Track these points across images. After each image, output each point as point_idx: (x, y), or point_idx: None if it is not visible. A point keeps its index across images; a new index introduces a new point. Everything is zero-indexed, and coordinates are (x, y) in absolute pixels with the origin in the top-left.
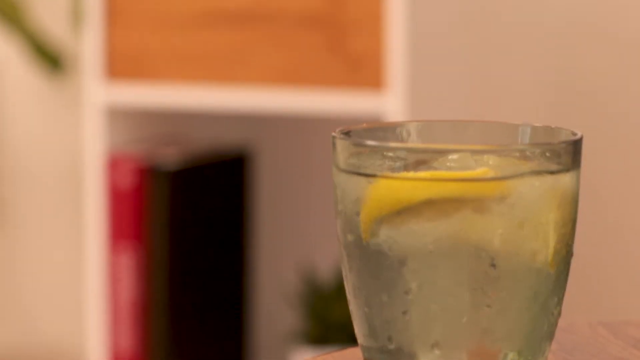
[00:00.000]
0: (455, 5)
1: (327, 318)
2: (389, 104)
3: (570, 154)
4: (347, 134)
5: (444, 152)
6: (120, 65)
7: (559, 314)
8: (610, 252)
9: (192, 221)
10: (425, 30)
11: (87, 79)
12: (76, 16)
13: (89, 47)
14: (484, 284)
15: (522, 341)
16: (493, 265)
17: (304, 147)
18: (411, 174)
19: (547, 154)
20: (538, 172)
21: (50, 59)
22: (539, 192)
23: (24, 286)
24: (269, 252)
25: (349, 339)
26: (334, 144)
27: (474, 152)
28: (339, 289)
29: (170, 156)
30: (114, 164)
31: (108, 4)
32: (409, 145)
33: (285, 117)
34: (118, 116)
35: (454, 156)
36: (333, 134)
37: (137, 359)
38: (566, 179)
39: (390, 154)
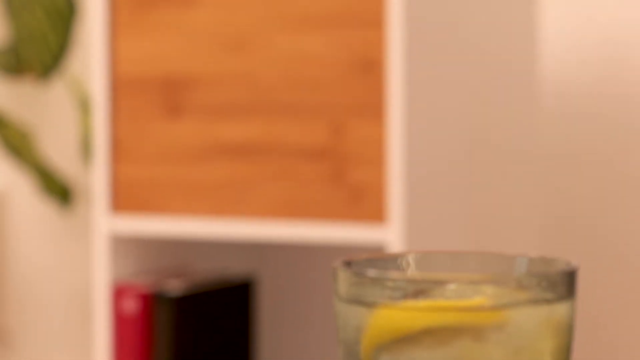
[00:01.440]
0: (451, 138)
1: None
2: (390, 234)
3: (565, 283)
4: (348, 264)
5: (442, 283)
6: (127, 197)
7: None
8: None
9: (197, 346)
10: (424, 164)
11: (95, 210)
12: (85, 149)
13: (96, 180)
14: None
15: None
16: None
17: (306, 275)
18: (410, 303)
19: (543, 284)
20: (535, 302)
21: (59, 190)
22: (535, 321)
23: None
24: None
25: None
26: (335, 275)
27: (472, 282)
28: None
29: (176, 284)
30: (120, 292)
31: (114, 137)
32: (409, 275)
33: (288, 246)
34: (125, 246)
35: (452, 286)
36: (334, 265)
37: None
38: (562, 308)
39: (390, 284)
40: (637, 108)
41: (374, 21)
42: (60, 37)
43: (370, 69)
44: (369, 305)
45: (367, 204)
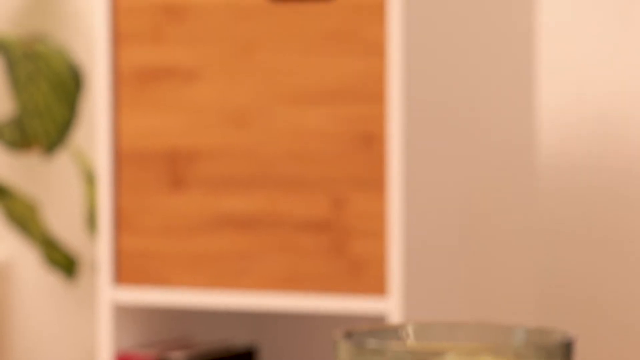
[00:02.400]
0: (450, 211)
1: None
2: (390, 306)
3: (563, 354)
4: (348, 336)
5: (441, 353)
6: (130, 268)
7: None
8: None
9: None
10: (424, 237)
11: (99, 281)
12: (90, 220)
13: (100, 251)
14: None
15: None
16: None
17: (307, 344)
18: None
19: (541, 355)
20: None
21: (64, 262)
22: None
23: None
24: None
25: None
26: (336, 346)
27: (471, 352)
28: None
29: (179, 354)
30: None
31: (118, 209)
32: (408, 346)
33: (290, 316)
34: (129, 317)
35: (452, 356)
36: (335, 336)
37: None
38: None
39: (391, 355)
40: (634, 182)
41: (375, 96)
42: (66, 111)
43: (371, 143)
44: None
45: (367, 276)
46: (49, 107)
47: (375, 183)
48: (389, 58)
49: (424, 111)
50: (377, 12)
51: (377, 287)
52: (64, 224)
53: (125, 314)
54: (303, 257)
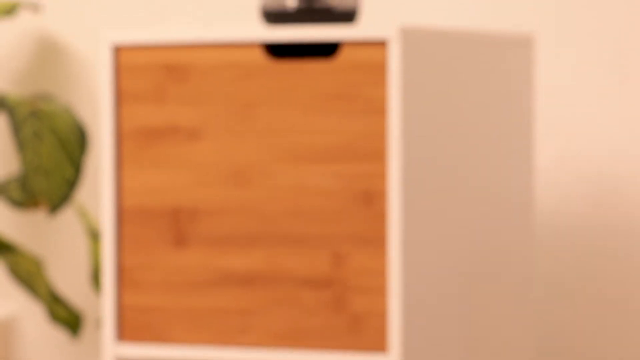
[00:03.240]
0: (449, 268)
1: None
2: None
3: None
4: None
5: None
6: (134, 325)
7: None
8: None
9: None
10: (424, 294)
11: (102, 338)
12: (95, 277)
13: (103, 308)
14: None
15: None
16: None
17: None
18: None
19: None
20: None
21: (68, 318)
22: None
23: None
24: None
25: None
26: None
27: None
28: None
29: None
30: None
31: (121, 266)
32: None
33: None
34: None
35: None
36: None
37: None
38: None
39: None
40: (632, 240)
41: (375, 154)
42: (71, 169)
43: (371, 200)
44: None
45: (368, 332)
46: (54, 166)
47: (376, 240)
48: (390, 117)
49: (424, 169)
50: (378, 71)
51: (378, 343)
52: (69, 280)
53: None
54: (304, 313)
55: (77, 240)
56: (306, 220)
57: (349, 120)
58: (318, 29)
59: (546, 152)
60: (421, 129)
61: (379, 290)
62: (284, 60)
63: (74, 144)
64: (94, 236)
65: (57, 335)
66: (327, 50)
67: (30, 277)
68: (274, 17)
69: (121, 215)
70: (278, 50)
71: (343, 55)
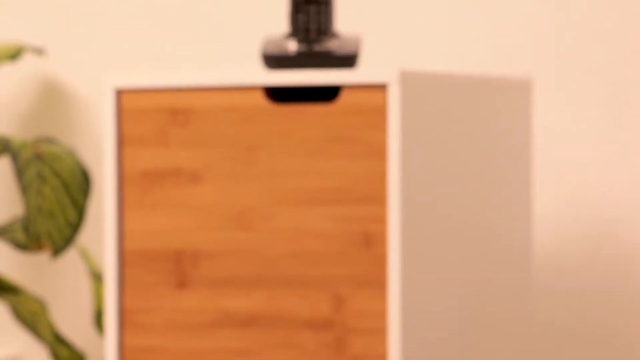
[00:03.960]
0: (449, 310)
1: None
2: None
3: None
4: None
5: None
6: None
7: None
8: None
9: None
10: (423, 336)
11: None
12: (98, 319)
13: (106, 350)
14: None
15: None
16: None
17: None
18: None
19: None
20: None
21: (71, 359)
22: None
23: None
24: None
25: None
26: None
27: None
28: None
29: None
30: None
31: (123, 308)
32: None
33: None
34: None
35: None
36: None
37: None
38: None
39: None
40: (630, 284)
41: (375, 198)
42: (74, 211)
43: (371, 243)
44: None
45: None
46: (58, 208)
47: (376, 282)
48: (389, 160)
49: (423, 212)
50: (378, 115)
51: None
52: (71, 322)
53: None
54: (305, 355)
55: (80, 282)
56: (307, 263)
57: (349, 163)
58: (319, 73)
59: (544, 195)
60: (420, 172)
61: (379, 332)
62: (285, 104)
63: (77, 186)
64: (97, 278)
65: None
66: (327, 94)
67: (33, 318)
68: (275, 61)
69: (123, 258)
70: (279, 94)
71: (343, 99)
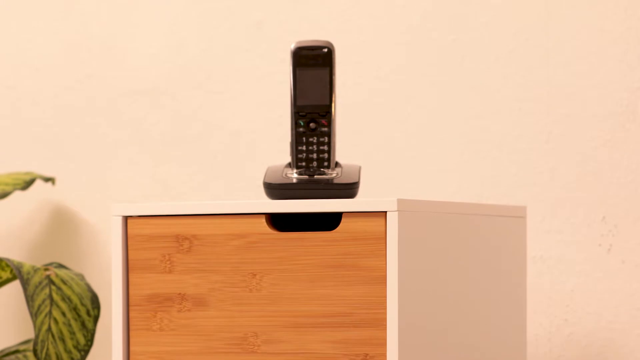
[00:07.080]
0: None
1: None
2: None
3: None
4: None
5: None
6: None
7: None
8: None
9: None
10: None
11: None
12: None
13: None
14: None
15: None
16: None
17: None
18: None
19: None
20: None
21: None
22: None
23: None
24: None
25: None
26: None
27: None
28: None
29: None
30: None
31: None
32: None
33: None
34: None
35: None
36: None
37: None
38: None
39: None
40: None
41: (374, 322)
42: (82, 336)
43: None
44: None
45: None
46: (67, 332)
47: None
48: (388, 286)
49: (422, 336)
50: (377, 242)
51: None
52: None
53: None
54: None
55: None
56: None
57: (349, 289)
58: (320, 201)
59: (537, 319)
60: (418, 297)
61: None
62: (288, 233)
63: (86, 311)
64: None
65: None
66: (328, 221)
67: None
68: (277, 191)
69: None
70: (281, 223)
71: (343, 226)
